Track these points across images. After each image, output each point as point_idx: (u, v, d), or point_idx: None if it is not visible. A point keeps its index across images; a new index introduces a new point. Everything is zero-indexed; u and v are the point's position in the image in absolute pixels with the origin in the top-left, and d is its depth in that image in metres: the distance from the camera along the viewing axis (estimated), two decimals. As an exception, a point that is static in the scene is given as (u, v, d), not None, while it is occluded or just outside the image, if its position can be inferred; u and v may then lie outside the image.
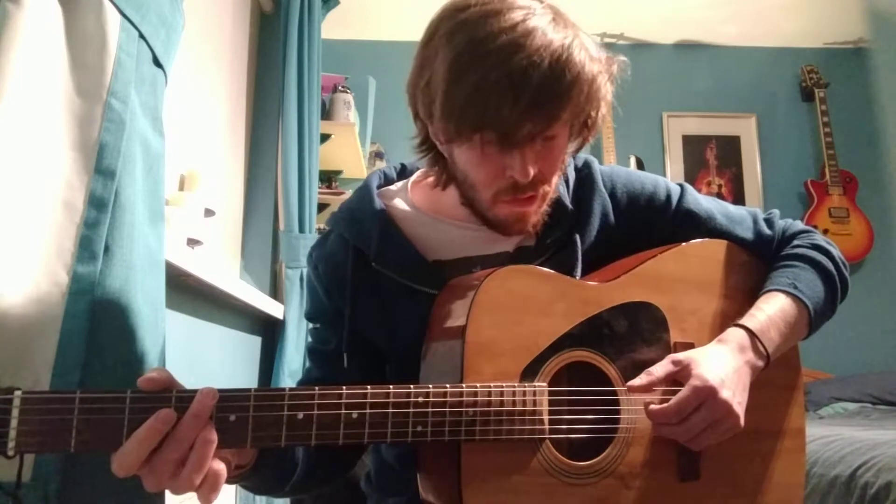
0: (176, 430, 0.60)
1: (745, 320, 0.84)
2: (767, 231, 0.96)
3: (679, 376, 0.78)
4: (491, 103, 0.73)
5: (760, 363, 0.82)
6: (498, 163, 0.79)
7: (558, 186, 0.89)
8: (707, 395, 0.75)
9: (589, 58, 0.76)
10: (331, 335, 0.91)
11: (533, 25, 0.73)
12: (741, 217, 0.97)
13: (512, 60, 0.72)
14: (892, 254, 3.12)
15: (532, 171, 0.78)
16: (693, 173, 3.36)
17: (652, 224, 0.93)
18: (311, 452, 0.84)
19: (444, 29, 0.77)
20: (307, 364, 0.97)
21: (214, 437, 0.61)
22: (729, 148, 3.40)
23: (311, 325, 0.97)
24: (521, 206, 0.82)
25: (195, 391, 0.61)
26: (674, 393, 0.77)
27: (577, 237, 0.88)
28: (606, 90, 0.80)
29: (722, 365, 0.78)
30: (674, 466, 0.81)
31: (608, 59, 0.81)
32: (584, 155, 0.96)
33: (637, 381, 0.77)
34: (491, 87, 0.72)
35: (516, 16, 0.74)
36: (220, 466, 0.63)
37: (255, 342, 2.06)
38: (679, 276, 0.88)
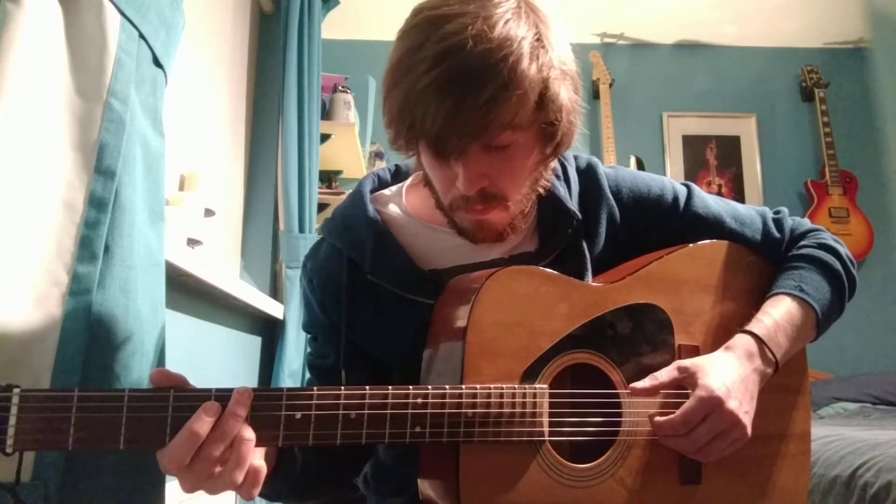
0: (216, 427, 0.60)
1: (752, 326, 0.82)
2: (776, 233, 0.94)
3: (684, 383, 0.77)
4: (418, 113, 0.70)
5: (769, 370, 0.81)
6: (448, 171, 0.76)
7: (556, 188, 0.87)
8: (713, 406, 0.74)
9: (537, 60, 0.69)
10: (328, 350, 0.90)
11: (477, 30, 0.67)
12: (750, 218, 0.95)
13: (440, 68, 0.67)
14: (892, 254, 3.12)
15: (478, 184, 0.74)
16: (693, 173, 3.36)
17: (659, 227, 0.91)
18: (313, 457, 0.83)
19: (399, 34, 0.75)
20: (308, 376, 0.96)
21: (252, 434, 0.62)
22: (729, 148, 3.39)
23: (308, 336, 0.96)
24: (477, 214, 0.79)
25: (231, 389, 0.62)
26: (676, 398, 0.77)
27: (585, 246, 0.87)
28: (559, 93, 0.73)
29: (728, 373, 0.77)
30: (675, 470, 0.81)
31: (570, 65, 0.75)
32: (587, 156, 0.94)
33: (640, 385, 0.76)
34: (418, 96, 0.69)
35: (462, 20, 0.68)
36: (261, 462, 0.64)
37: (255, 342, 2.05)
38: (685, 277, 0.87)
